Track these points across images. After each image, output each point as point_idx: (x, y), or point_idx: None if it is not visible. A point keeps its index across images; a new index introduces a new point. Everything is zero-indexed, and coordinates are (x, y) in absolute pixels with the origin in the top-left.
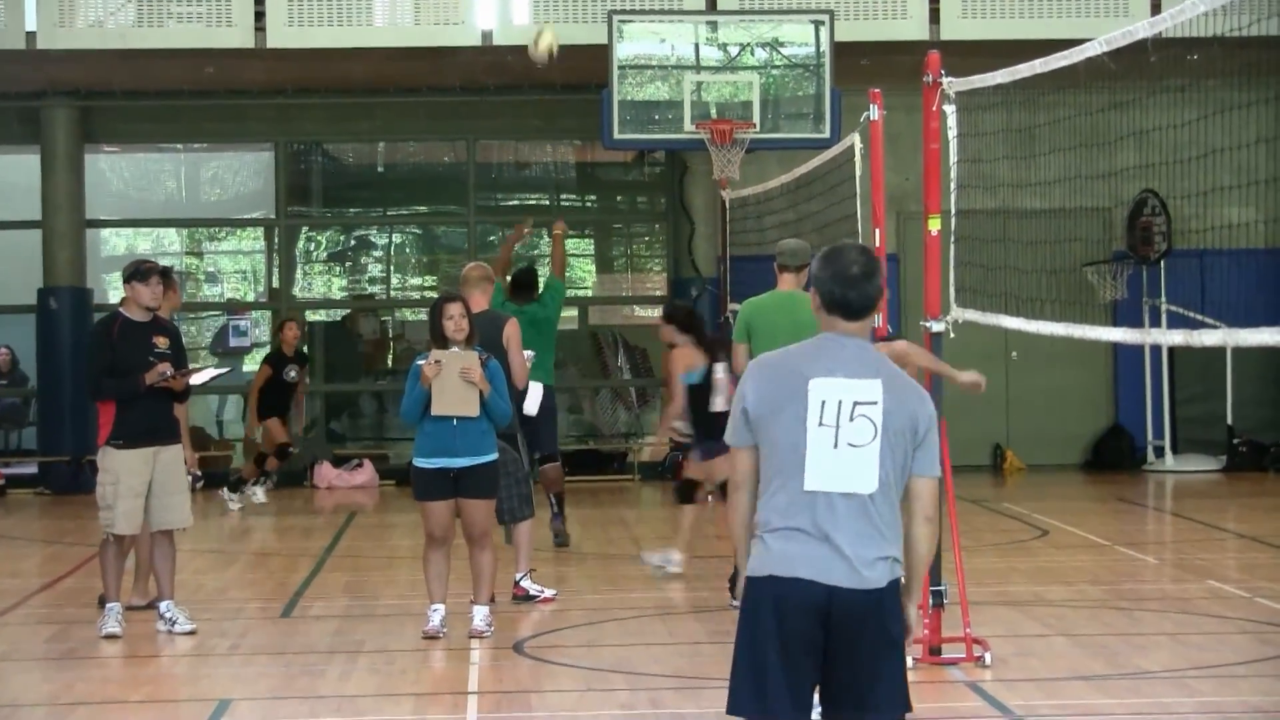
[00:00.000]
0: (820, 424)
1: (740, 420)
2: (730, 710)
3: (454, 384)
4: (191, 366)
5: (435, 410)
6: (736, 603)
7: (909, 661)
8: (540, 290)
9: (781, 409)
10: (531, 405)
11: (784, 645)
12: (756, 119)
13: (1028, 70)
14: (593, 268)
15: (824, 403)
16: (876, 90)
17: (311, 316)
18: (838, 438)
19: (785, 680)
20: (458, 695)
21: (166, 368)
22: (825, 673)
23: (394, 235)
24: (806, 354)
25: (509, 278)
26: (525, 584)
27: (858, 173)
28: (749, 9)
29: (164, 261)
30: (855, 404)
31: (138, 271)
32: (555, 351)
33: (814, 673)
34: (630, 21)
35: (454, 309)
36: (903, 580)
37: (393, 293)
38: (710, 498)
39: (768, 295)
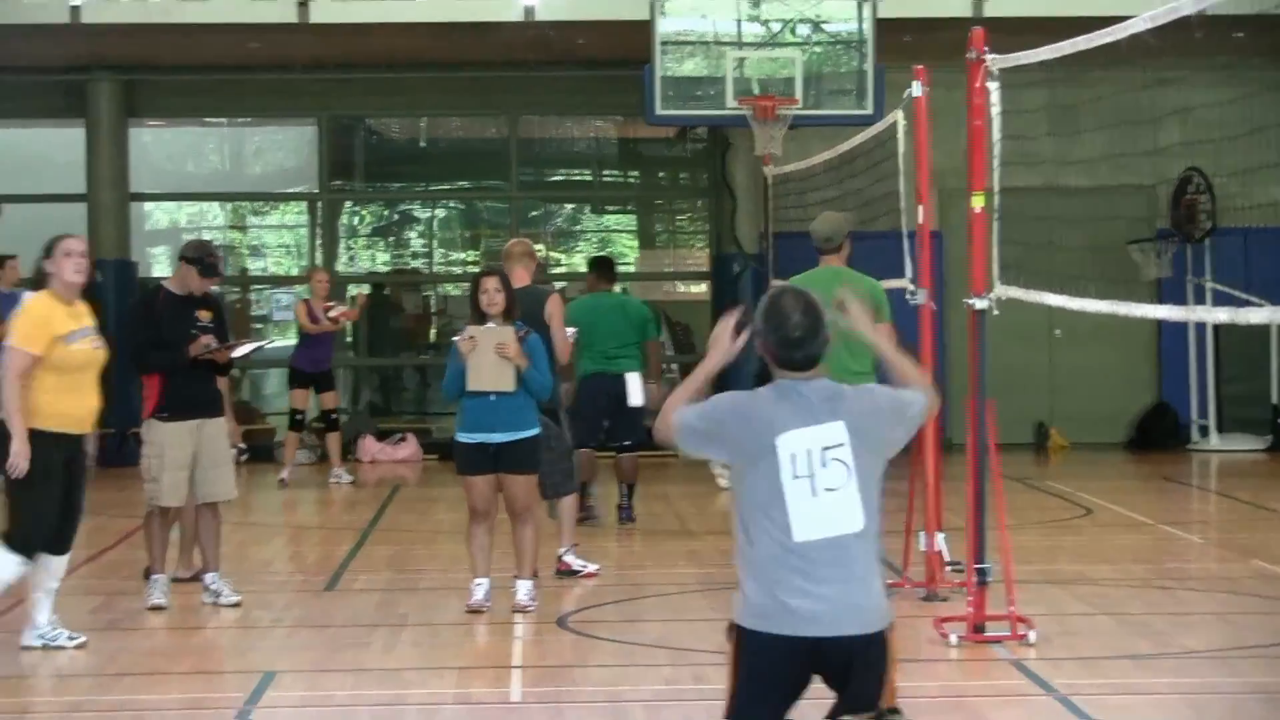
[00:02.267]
0: (795, 477)
1: (700, 437)
2: None
3: (489, 359)
4: (235, 341)
5: (470, 385)
6: None
7: (953, 639)
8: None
9: (755, 463)
10: (635, 396)
11: (774, 691)
12: (799, 95)
13: (1071, 47)
14: (635, 243)
15: (794, 456)
16: (921, 67)
17: (354, 290)
18: (814, 485)
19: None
20: (501, 669)
21: (211, 340)
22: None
23: (436, 210)
24: (770, 405)
25: (591, 262)
26: (569, 558)
27: (901, 150)
28: None
29: (207, 236)
30: (824, 449)
31: (202, 263)
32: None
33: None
34: None
35: (490, 283)
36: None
37: (435, 267)
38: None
39: (811, 272)
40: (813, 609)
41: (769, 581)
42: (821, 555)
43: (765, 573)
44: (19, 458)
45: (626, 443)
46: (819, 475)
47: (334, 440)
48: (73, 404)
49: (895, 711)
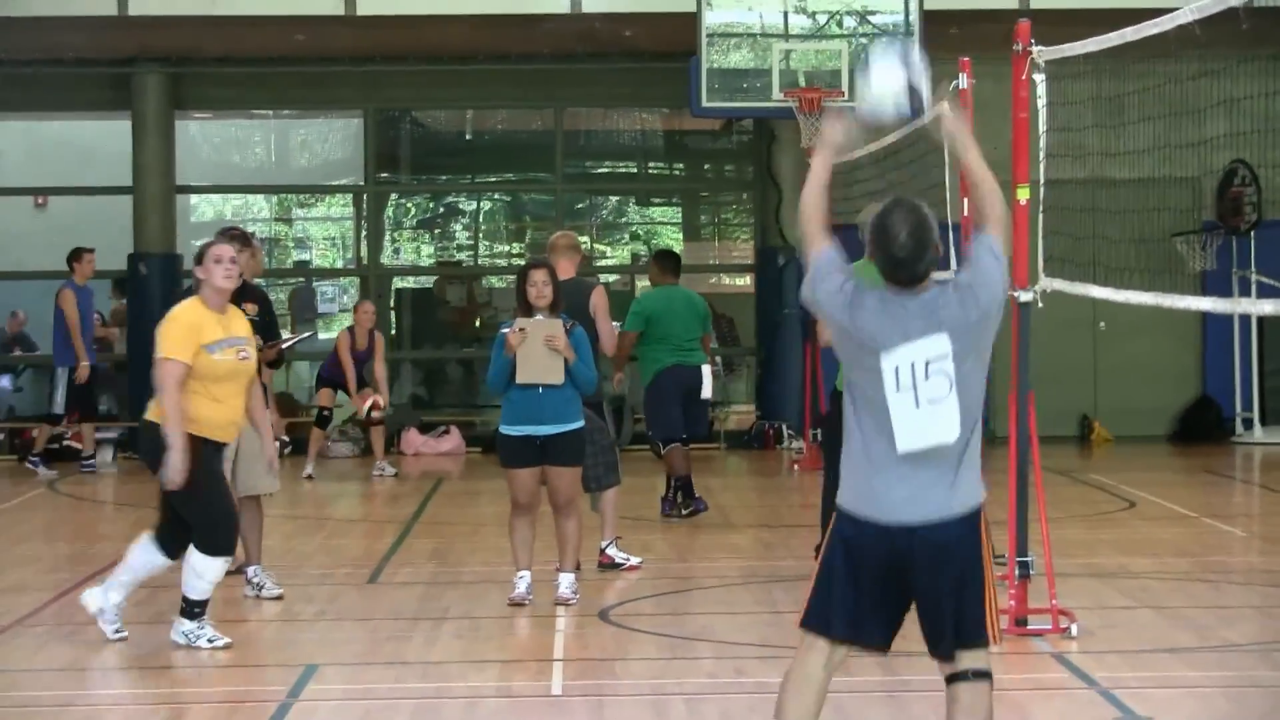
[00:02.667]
0: (898, 389)
1: (835, 284)
2: (803, 622)
3: (539, 352)
4: (280, 336)
5: (520, 378)
6: None
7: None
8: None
9: (859, 369)
10: (708, 389)
11: (864, 573)
12: (845, 87)
13: (1118, 38)
14: (680, 235)
15: (897, 369)
16: (966, 59)
17: (399, 283)
18: (917, 398)
19: (862, 603)
20: (543, 662)
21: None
22: (913, 604)
23: (482, 203)
24: (874, 318)
25: (657, 254)
26: (611, 552)
27: (946, 142)
28: None
29: (253, 228)
30: (928, 363)
31: (226, 236)
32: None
33: (889, 601)
34: None
35: (538, 275)
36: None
37: (480, 260)
38: (796, 466)
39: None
40: (908, 497)
41: (869, 476)
42: (922, 460)
43: (867, 469)
44: (173, 470)
45: (691, 435)
46: (922, 388)
47: (378, 434)
48: (214, 412)
49: (983, 675)
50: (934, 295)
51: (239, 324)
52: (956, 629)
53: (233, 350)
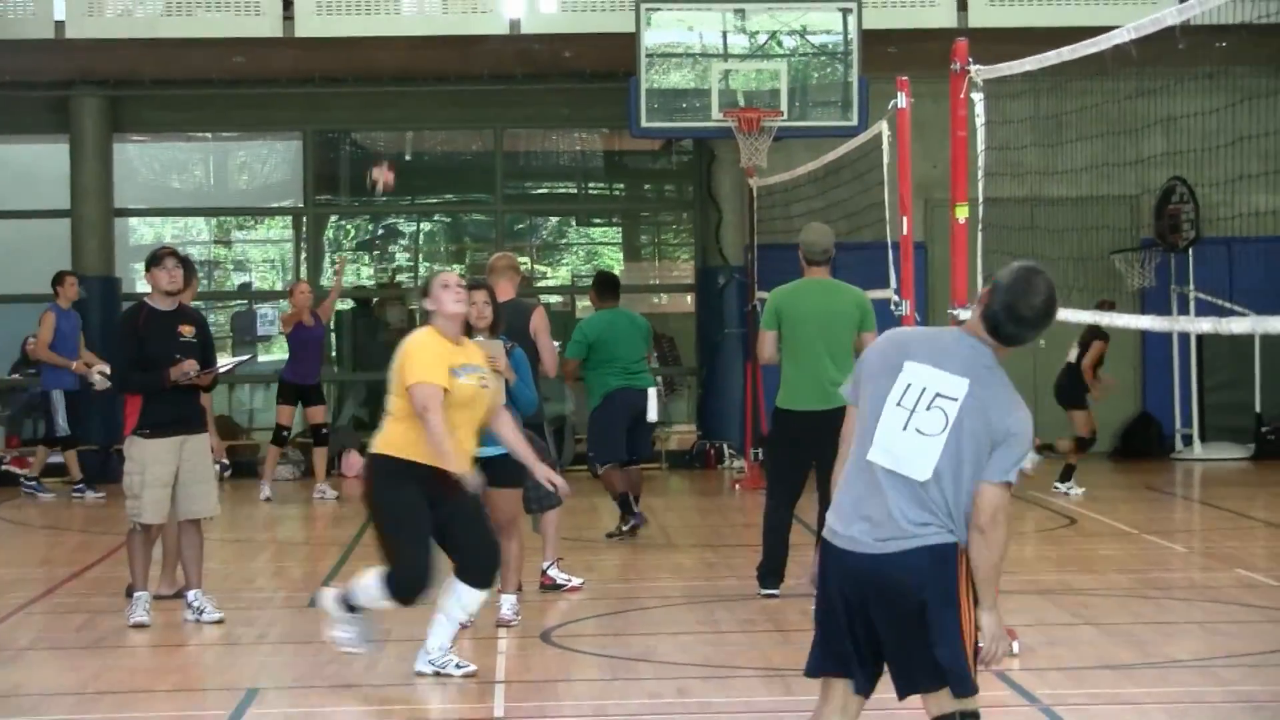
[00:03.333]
0: (898, 404)
1: (852, 379)
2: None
3: None
4: (217, 363)
5: None
6: (764, 592)
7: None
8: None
9: (875, 379)
10: (654, 411)
11: (838, 609)
12: (784, 107)
13: (1055, 57)
14: (620, 256)
15: (909, 385)
16: (904, 78)
17: (340, 305)
18: (909, 421)
19: (844, 644)
20: (485, 684)
21: (192, 366)
22: (876, 640)
23: (421, 224)
24: (922, 338)
25: (596, 278)
26: (552, 573)
27: (885, 160)
28: None
29: (191, 251)
30: (936, 395)
31: (154, 257)
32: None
33: (865, 638)
34: (658, 9)
35: (478, 296)
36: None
37: (420, 281)
38: (738, 486)
39: (797, 283)
40: (857, 534)
41: (842, 499)
42: (886, 486)
43: (845, 488)
44: (474, 484)
45: (637, 457)
46: (918, 415)
47: (320, 455)
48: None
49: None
50: (985, 355)
51: (475, 353)
52: (921, 670)
53: (474, 377)
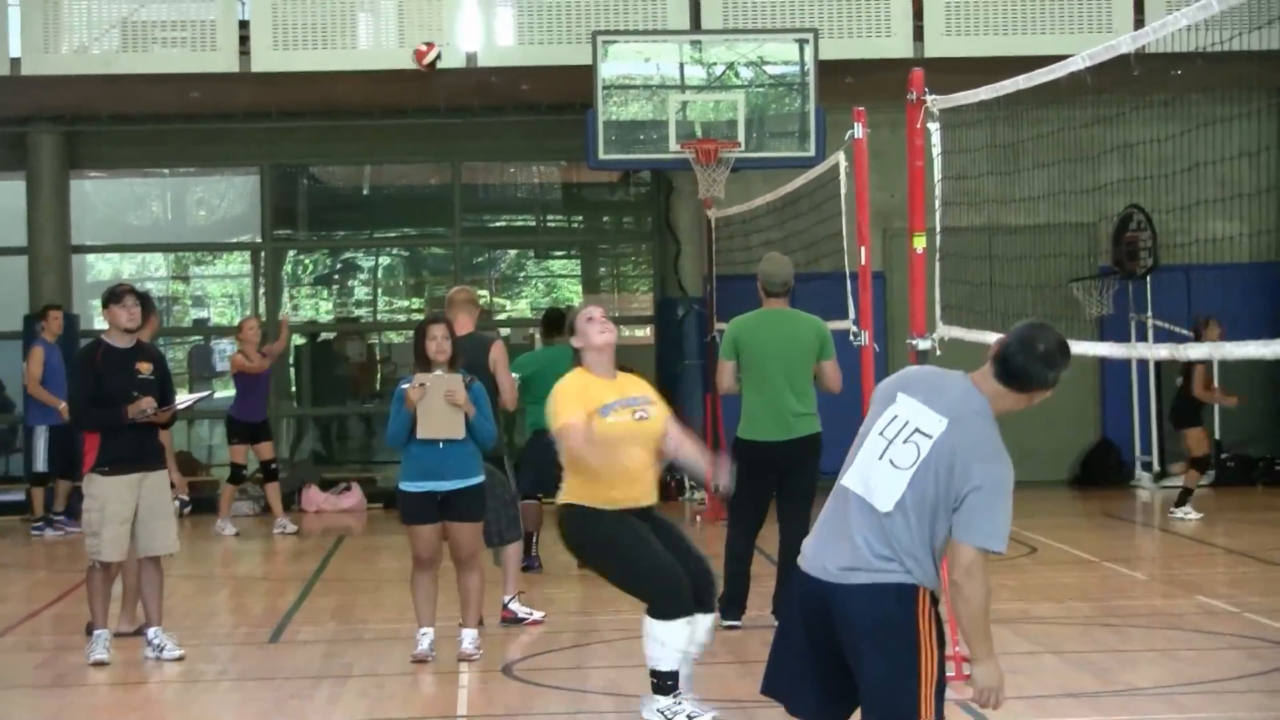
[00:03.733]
0: (881, 433)
1: None
2: (763, 689)
3: (439, 407)
4: (175, 401)
5: (421, 434)
6: (725, 624)
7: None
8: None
9: (873, 408)
10: None
11: (801, 633)
12: (741, 138)
13: (1011, 86)
14: (579, 288)
15: (895, 417)
16: (861, 109)
17: (298, 340)
18: (885, 451)
19: (801, 666)
20: (446, 718)
21: (150, 404)
22: (839, 665)
23: (380, 258)
24: (925, 375)
25: (543, 315)
26: (513, 606)
27: (843, 191)
28: (733, 28)
29: (149, 286)
30: (915, 429)
31: (112, 294)
32: None
33: (825, 662)
34: (614, 42)
35: (437, 331)
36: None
37: (379, 315)
38: (699, 518)
39: (755, 313)
40: (824, 561)
41: (825, 510)
42: (857, 515)
43: (829, 502)
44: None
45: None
46: (894, 446)
47: (274, 490)
48: (611, 480)
49: None
50: (974, 398)
51: (633, 385)
52: (869, 707)
53: (628, 411)
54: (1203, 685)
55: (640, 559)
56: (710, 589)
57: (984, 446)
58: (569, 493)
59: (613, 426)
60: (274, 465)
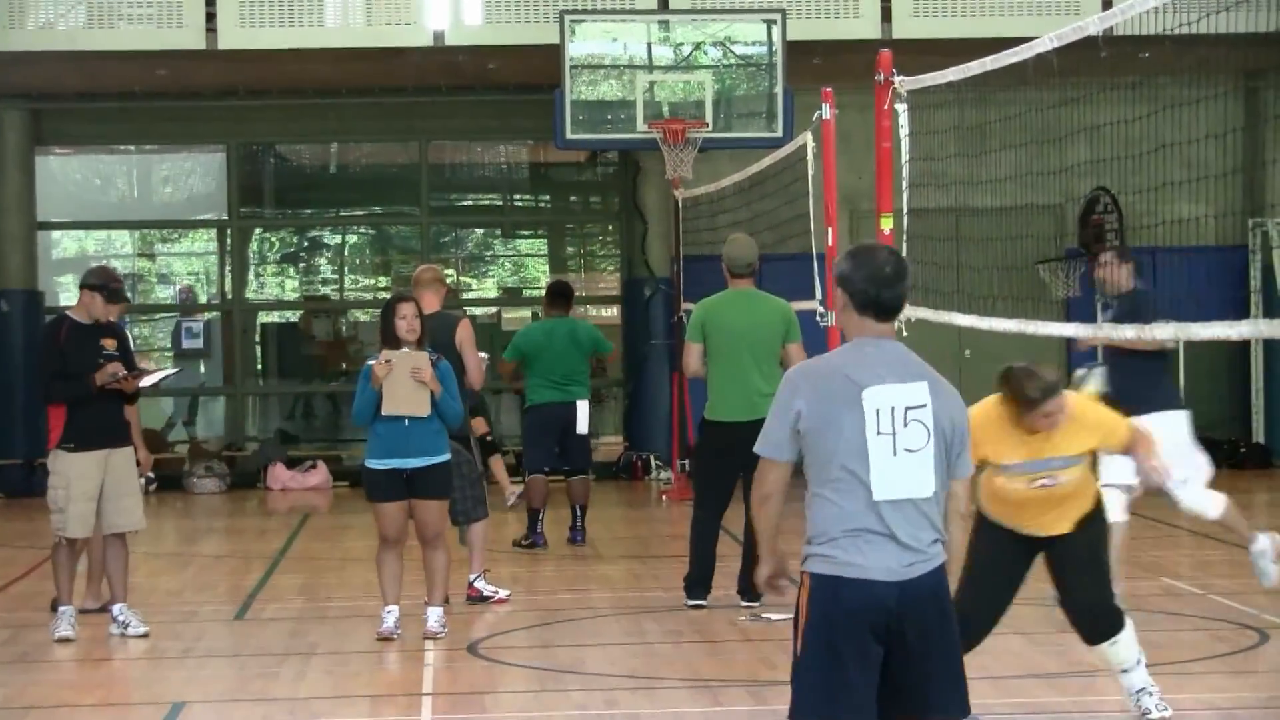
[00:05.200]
0: (879, 433)
1: (787, 434)
2: (799, 713)
3: (405, 384)
4: (142, 368)
5: (386, 410)
6: (691, 603)
7: None
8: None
9: (838, 420)
10: (583, 424)
11: (855, 647)
12: (709, 118)
13: (979, 68)
14: (546, 268)
15: (879, 411)
16: (829, 89)
17: (264, 318)
18: (895, 445)
19: (858, 684)
20: (412, 696)
21: (118, 368)
22: (891, 674)
23: (347, 236)
24: (850, 361)
25: (548, 287)
26: (479, 585)
27: (810, 172)
28: (701, 8)
29: (115, 264)
30: (907, 409)
31: (107, 291)
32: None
33: (875, 677)
34: (582, 21)
35: (406, 309)
36: None
37: (346, 294)
38: (665, 497)
39: (722, 294)
40: (883, 563)
41: (847, 535)
42: (895, 515)
43: (833, 529)
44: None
45: (577, 467)
46: (901, 434)
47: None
48: (1009, 507)
49: None
50: (906, 351)
51: (1063, 442)
52: (944, 695)
53: (1024, 479)
54: (1166, 666)
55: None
56: (1095, 625)
57: (951, 390)
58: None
59: (1007, 491)
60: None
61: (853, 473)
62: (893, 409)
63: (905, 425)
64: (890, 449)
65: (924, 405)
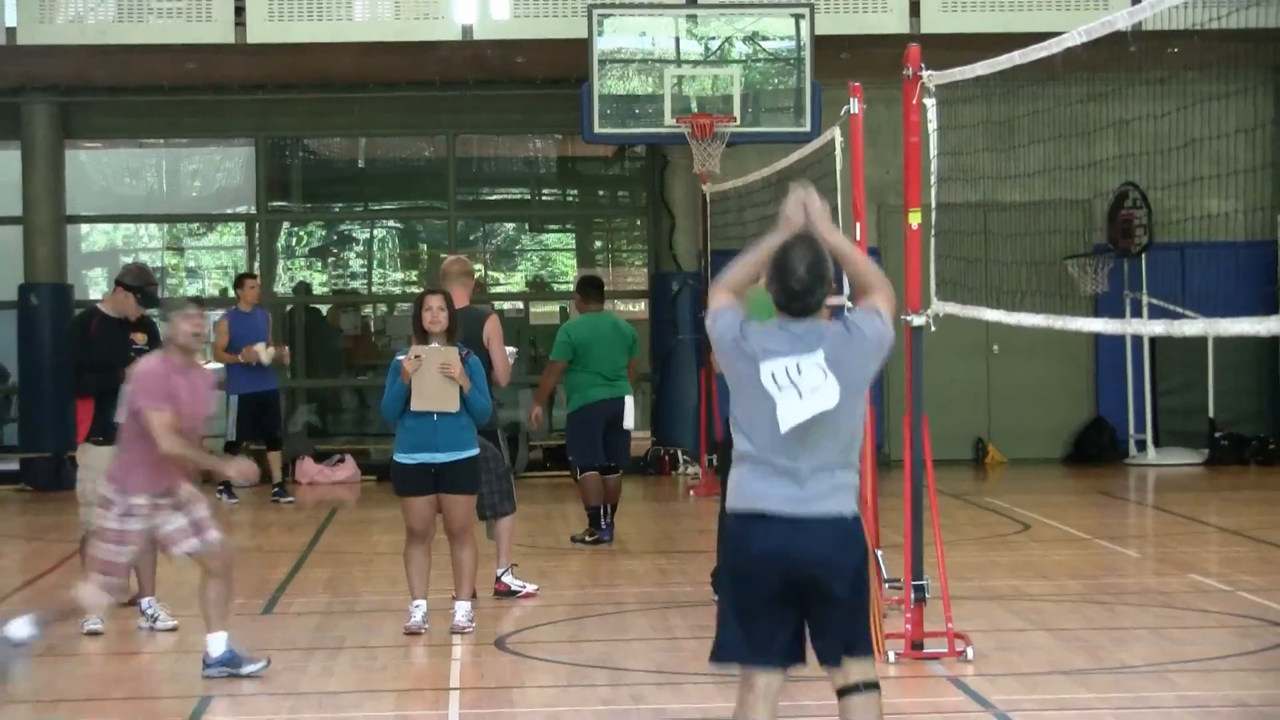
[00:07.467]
0: (780, 390)
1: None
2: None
3: (434, 379)
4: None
5: (415, 405)
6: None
7: (890, 657)
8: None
9: (744, 381)
10: (629, 419)
11: (758, 585)
12: (737, 113)
13: (1007, 62)
14: (574, 262)
15: (773, 374)
16: (857, 84)
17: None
18: (799, 389)
19: (762, 621)
20: (439, 691)
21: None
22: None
23: (375, 230)
24: (763, 337)
25: (580, 282)
26: (507, 579)
27: (838, 166)
28: (730, 2)
29: (144, 257)
30: (799, 364)
31: (143, 294)
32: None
33: (793, 617)
34: (610, 15)
35: (434, 301)
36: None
37: (374, 288)
38: (692, 492)
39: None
40: (794, 492)
41: (755, 478)
42: (805, 452)
43: (752, 472)
44: None
45: (614, 465)
46: (799, 380)
47: (275, 459)
48: None
49: (871, 687)
50: (820, 324)
51: None
52: (847, 637)
53: None
54: (1194, 663)
55: None
56: None
57: (859, 325)
58: None
59: None
60: (277, 434)
61: (762, 432)
62: (786, 368)
63: (800, 373)
64: (796, 395)
65: (818, 364)
